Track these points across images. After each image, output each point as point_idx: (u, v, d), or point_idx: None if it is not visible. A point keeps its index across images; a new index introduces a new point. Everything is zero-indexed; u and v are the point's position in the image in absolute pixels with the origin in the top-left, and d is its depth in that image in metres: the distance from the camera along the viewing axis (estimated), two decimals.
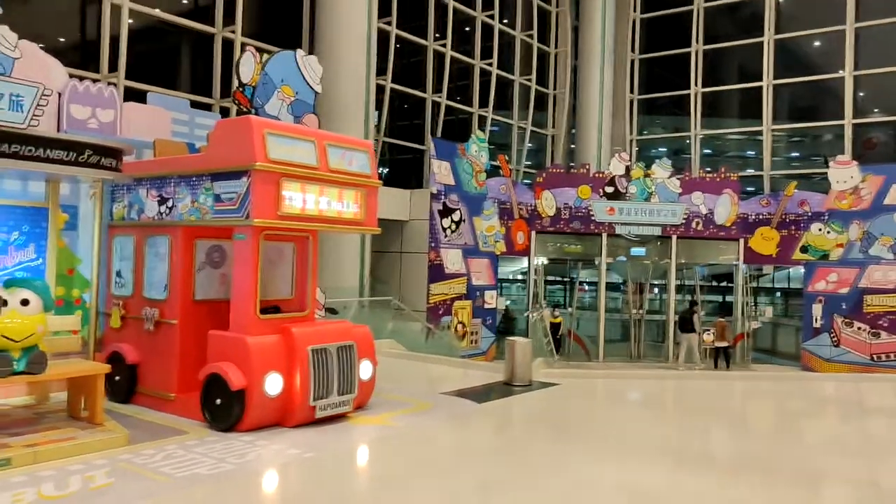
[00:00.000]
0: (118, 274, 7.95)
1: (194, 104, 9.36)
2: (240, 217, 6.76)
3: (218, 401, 6.67)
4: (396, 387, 9.13)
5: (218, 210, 6.97)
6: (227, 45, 14.44)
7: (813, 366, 19.43)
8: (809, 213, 20.00)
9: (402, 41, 19.01)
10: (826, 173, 19.95)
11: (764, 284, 25.99)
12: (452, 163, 17.55)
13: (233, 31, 14.30)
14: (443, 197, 17.15)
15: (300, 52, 7.49)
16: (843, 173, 19.56)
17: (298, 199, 6.98)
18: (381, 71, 17.78)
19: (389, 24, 17.81)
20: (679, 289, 24.56)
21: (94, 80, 8.13)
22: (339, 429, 6.94)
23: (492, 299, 18.77)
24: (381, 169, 19.72)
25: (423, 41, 19.46)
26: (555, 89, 24.90)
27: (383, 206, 16.96)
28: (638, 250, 20.87)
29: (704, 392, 10.68)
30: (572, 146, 25.32)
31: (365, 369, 7.56)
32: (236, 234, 6.92)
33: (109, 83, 11.95)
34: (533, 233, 20.05)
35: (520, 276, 26.73)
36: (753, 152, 25.28)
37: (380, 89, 17.74)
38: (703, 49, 23.88)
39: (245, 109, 7.16)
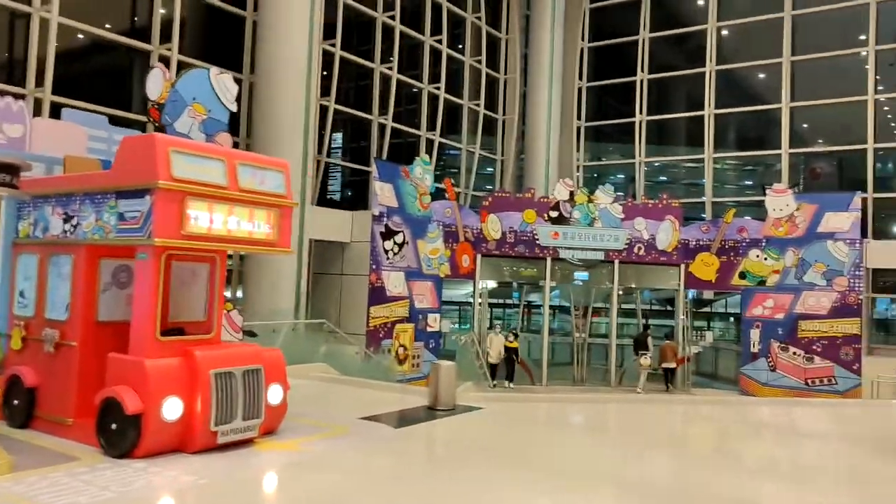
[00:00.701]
0: (21, 294, 7.69)
1: (116, 121, 9.17)
2: (142, 236, 6.60)
3: (113, 426, 6.45)
4: (317, 411, 8.99)
5: (121, 229, 6.80)
6: (165, 63, 14.26)
7: (750, 390, 19.73)
8: (748, 240, 20.43)
9: (349, 64, 19.06)
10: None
11: (718, 309, 26.48)
12: (396, 185, 17.52)
13: (169, 49, 14.14)
14: (385, 219, 17.08)
15: (214, 70, 7.40)
16: (779, 201, 20.08)
17: (205, 218, 6.84)
18: (325, 92, 17.77)
19: (334, 45, 17.81)
20: (634, 313, 24.94)
21: (2, 94, 7.91)
22: (241, 455, 6.75)
23: (435, 322, 18.69)
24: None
25: (370, 64, 19.50)
26: (504, 115, 25.15)
27: (325, 228, 16.97)
28: (582, 274, 21.05)
29: (632, 415, 10.71)
30: (521, 172, 25.55)
31: (274, 394, 7.40)
32: (138, 253, 6.75)
33: (35, 98, 11.72)
34: (478, 256, 20.09)
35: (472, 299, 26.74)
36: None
37: (324, 111, 17.72)
38: (647, 78, 24.38)
39: (157, 126, 7.04)
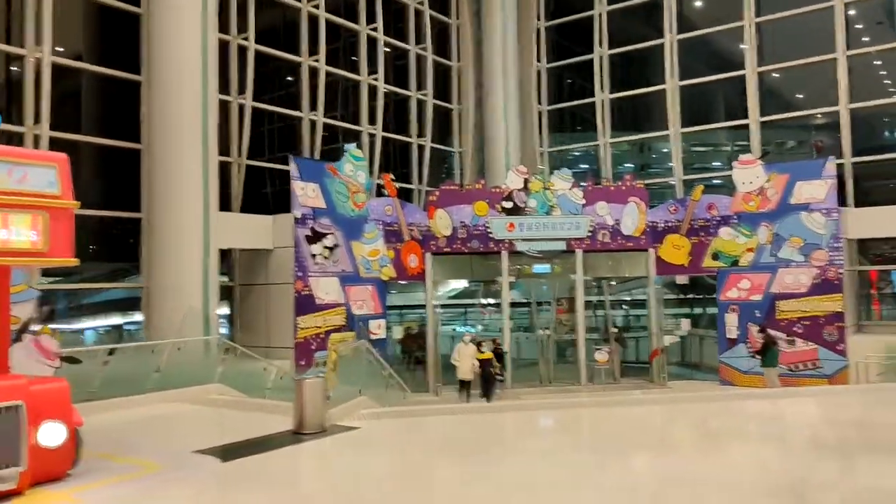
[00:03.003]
0: None
1: None
2: None
3: None
4: (151, 444, 7.74)
5: None
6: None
7: (731, 379, 18.20)
8: (718, 218, 18.91)
9: (273, 60, 17.90)
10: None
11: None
12: (322, 184, 16.26)
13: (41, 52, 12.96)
14: (310, 221, 15.82)
15: None
16: (748, 174, 18.54)
17: None
18: (242, 90, 16.58)
19: (247, 39, 16.59)
20: (620, 304, 23.34)
21: None
22: None
23: (378, 329, 17.37)
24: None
25: (294, 57, 18.26)
26: (459, 104, 23.80)
27: (242, 235, 15.72)
28: (542, 267, 19.60)
29: (562, 425, 9.30)
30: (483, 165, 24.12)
31: (50, 434, 6.13)
32: None
33: None
34: (428, 255, 18.75)
35: (447, 301, 25.36)
36: (719, 163, 23.81)
37: (240, 110, 16.53)
38: (607, 54, 22.91)
39: None
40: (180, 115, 13.59)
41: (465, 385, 15.96)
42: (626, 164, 25.76)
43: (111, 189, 15.14)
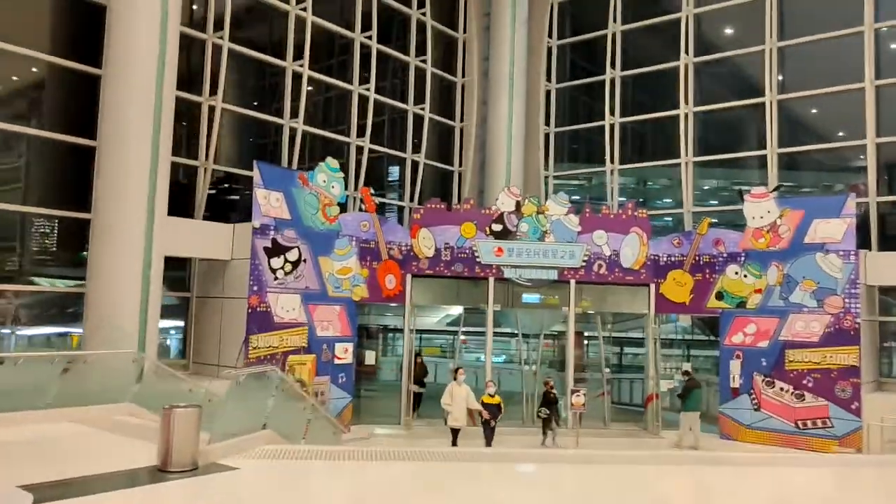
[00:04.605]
0: None
1: None
2: None
3: None
4: None
5: None
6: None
7: (731, 433, 16.50)
8: (725, 254, 17.34)
9: (257, 63, 17.12)
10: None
11: None
12: (289, 194, 15.20)
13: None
14: (272, 232, 14.74)
15: None
16: (759, 208, 16.96)
17: None
18: (213, 91, 15.73)
19: (221, 38, 15.74)
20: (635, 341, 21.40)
21: None
22: None
23: (345, 353, 16.14)
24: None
25: (278, 62, 17.38)
26: (462, 122, 22.68)
27: (194, 243, 14.69)
28: (531, 297, 18.22)
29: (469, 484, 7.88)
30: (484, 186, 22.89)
31: None
32: None
33: None
34: (408, 276, 17.52)
35: (441, 327, 24.10)
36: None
37: (211, 111, 15.65)
38: (620, 76, 21.59)
39: None
40: (128, 110, 12.70)
41: (455, 433, 13.87)
42: (665, 200, 24.16)
43: (71, 188, 14.30)
